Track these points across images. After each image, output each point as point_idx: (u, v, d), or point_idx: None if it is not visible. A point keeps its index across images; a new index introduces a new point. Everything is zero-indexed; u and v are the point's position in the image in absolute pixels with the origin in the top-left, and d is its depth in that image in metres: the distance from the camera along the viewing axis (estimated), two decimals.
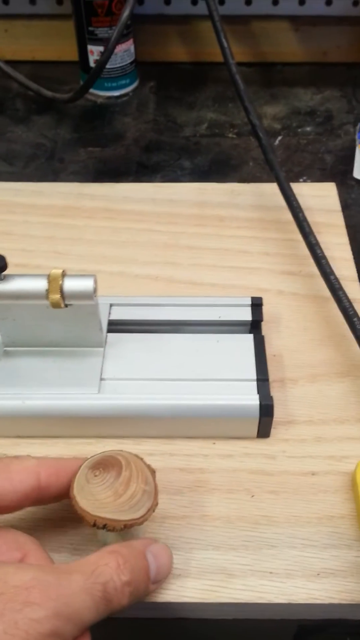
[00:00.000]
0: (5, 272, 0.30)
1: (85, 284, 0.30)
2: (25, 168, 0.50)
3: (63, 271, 0.30)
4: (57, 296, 0.30)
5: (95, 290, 0.30)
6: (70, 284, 0.30)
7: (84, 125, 0.54)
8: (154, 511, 0.25)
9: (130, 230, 0.43)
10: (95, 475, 0.25)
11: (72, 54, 0.57)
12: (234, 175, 0.49)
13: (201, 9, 0.51)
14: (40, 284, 0.30)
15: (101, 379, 0.32)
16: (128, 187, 0.46)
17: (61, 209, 0.44)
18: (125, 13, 0.49)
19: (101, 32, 0.52)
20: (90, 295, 0.30)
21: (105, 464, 0.26)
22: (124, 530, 0.25)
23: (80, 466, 0.26)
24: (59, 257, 0.41)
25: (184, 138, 0.53)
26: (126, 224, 0.43)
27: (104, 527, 0.24)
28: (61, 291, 0.30)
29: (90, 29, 0.52)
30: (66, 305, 0.30)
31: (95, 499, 0.25)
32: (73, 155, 0.51)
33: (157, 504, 0.26)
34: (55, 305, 0.30)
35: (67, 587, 0.22)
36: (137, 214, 0.44)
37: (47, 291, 0.30)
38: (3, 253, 0.42)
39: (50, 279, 0.30)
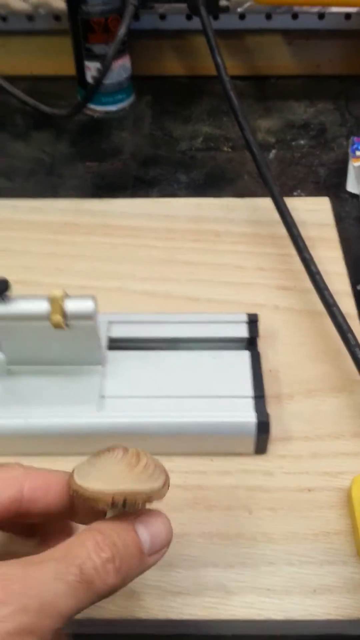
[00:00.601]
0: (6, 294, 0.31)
1: (86, 305, 0.31)
2: (24, 183, 0.50)
3: (64, 292, 0.31)
4: (59, 317, 0.30)
5: (95, 310, 0.31)
6: (71, 305, 0.30)
7: (81, 139, 0.55)
8: (168, 488, 0.23)
9: (128, 246, 0.43)
10: (101, 457, 0.24)
11: (69, 69, 0.57)
12: (229, 189, 0.50)
13: (196, 23, 0.52)
14: (42, 306, 0.30)
15: (101, 397, 0.32)
16: (125, 203, 0.47)
17: (60, 225, 0.45)
18: (122, 30, 0.50)
19: (98, 48, 0.53)
20: (91, 315, 0.31)
21: (107, 449, 0.24)
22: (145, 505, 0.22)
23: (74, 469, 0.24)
24: (59, 273, 0.41)
25: (180, 152, 0.54)
26: (124, 239, 0.44)
27: (124, 504, 0.22)
28: (62, 312, 0.30)
29: (87, 45, 0.53)
30: (67, 325, 0.31)
31: (107, 474, 0.23)
32: (71, 170, 0.52)
33: (169, 482, 0.23)
34: (57, 326, 0.30)
35: (35, 578, 0.20)
36: (135, 230, 0.44)
37: (49, 313, 0.30)
38: (3, 269, 0.43)
39: (51, 300, 0.30)
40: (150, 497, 0.22)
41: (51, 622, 0.19)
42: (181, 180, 0.51)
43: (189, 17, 0.58)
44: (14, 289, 0.41)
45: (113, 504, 0.22)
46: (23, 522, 0.24)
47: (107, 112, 0.57)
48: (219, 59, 0.48)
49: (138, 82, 0.59)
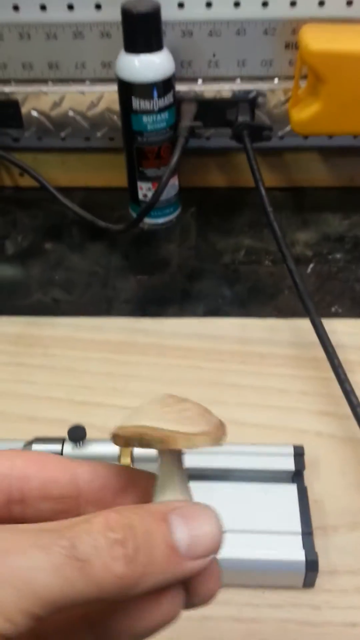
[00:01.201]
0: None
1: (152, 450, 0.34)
2: (81, 297, 0.55)
3: None
4: (128, 460, 0.34)
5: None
6: (138, 450, 0.34)
7: (132, 252, 0.60)
8: (213, 441, 0.19)
9: (180, 367, 0.47)
10: (148, 402, 0.21)
11: (121, 181, 0.62)
12: (270, 304, 0.54)
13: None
14: (114, 449, 0.34)
15: None
16: (176, 323, 0.51)
17: (117, 344, 0.49)
18: (174, 159, 0.55)
19: (150, 172, 0.58)
20: (157, 458, 0.34)
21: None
22: (170, 455, 0.19)
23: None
24: (117, 394, 0.45)
25: (224, 265, 0.58)
26: (175, 360, 0.48)
27: (140, 442, 0.19)
28: (132, 456, 0.34)
29: (141, 169, 0.58)
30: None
31: (139, 413, 0.20)
32: (124, 282, 0.56)
33: (224, 435, 0.20)
34: None
35: (9, 541, 0.16)
36: (185, 350, 0.48)
37: (119, 456, 0.34)
38: (67, 389, 0.47)
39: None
40: (173, 438, 0.18)
41: (21, 602, 0.15)
42: (225, 295, 0.55)
43: (232, 137, 0.63)
44: (76, 411, 0.45)
45: (128, 445, 0.19)
46: (24, 515, 0.20)
47: (155, 224, 0.62)
48: (262, 191, 0.52)
49: (183, 194, 0.64)
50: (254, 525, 0.36)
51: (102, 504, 0.20)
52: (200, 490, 0.37)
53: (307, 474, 0.39)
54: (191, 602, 0.19)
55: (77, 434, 0.35)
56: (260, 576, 0.35)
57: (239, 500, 0.37)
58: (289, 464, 0.38)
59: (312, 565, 0.34)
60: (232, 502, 0.37)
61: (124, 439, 0.19)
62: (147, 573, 0.17)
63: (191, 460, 0.39)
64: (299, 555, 0.34)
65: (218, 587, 0.20)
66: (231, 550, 0.34)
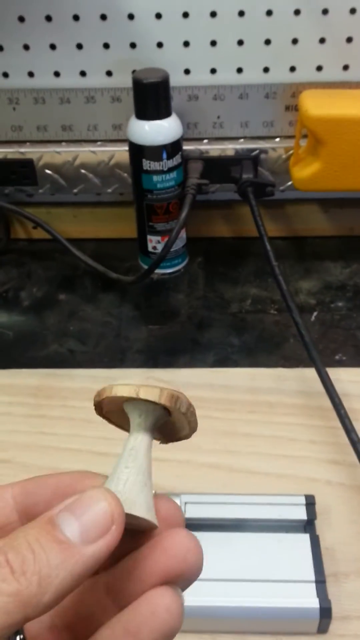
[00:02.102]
0: None
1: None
2: (96, 347, 0.58)
3: (154, 492, 0.36)
4: None
5: (181, 509, 0.36)
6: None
7: (142, 302, 0.62)
8: (138, 395, 0.21)
9: None
10: None
11: (131, 232, 0.65)
12: (277, 353, 0.56)
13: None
14: None
15: None
16: (189, 373, 0.53)
17: None
18: (183, 215, 0.58)
19: (159, 226, 0.61)
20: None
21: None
22: (133, 439, 0.22)
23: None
24: None
25: (231, 314, 0.61)
26: None
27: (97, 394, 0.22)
28: None
29: (150, 224, 0.61)
30: None
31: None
32: (136, 333, 0.59)
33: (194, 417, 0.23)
34: None
35: None
36: (198, 400, 0.50)
37: None
38: (86, 440, 0.49)
39: None
40: (109, 388, 0.22)
41: None
42: (234, 344, 0.57)
43: (236, 191, 0.66)
44: (96, 462, 0.47)
45: (131, 400, 0.21)
46: None
47: (164, 274, 0.65)
48: (267, 245, 0.55)
49: (190, 244, 0.67)
50: (269, 574, 0.37)
51: None
52: (215, 541, 0.39)
53: (318, 522, 0.41)
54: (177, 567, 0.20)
55: None
56: (276, 623, 0.36)
57: (253, 551, 0.39)
58: (301, 514, 0.40)
59: (325, 613, 0.36)
60: (247, 552, 0.39)
61: (96, 396, 0.22)
62: (46, 575, 0.17)
63: (213, 511, 0.41)
64: (313, 603, 0.36)
65: (188, 540, 0.21)
66: (248, 598, 0.36)
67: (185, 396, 0.23)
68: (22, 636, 0.21)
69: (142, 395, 0.22)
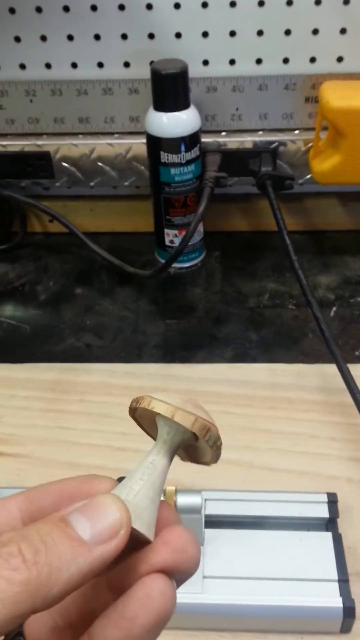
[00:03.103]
0: None
1: (195, 500, 0.36)
2: (113, 342, 0.57)
3: (175, 488, 0.36)
4: (171, 503, 0.36)
5: (202, 505, 0.36)
6: (182, 500, 0.36)
7: (160, 296, 0.62)
8: (174, 417, 0.22)
9: (212, 413, 0.48)
10: None
11: (148, 226, 0.65)
12: (296, 349, 0.55)
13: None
14: None
15: (203, 577, 0.37)
16: (207, 368, 0.53)
17: (151, 390, 0.50)
18: (201, 209, 0.57)
19: (177, 219, 0.61)
20: (199, 509, 0.36)
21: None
22: (154, 454, 0.22)
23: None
24: (152, 441, 0.47)
25: (249, 309, 0.60)
26: (208, 406, 0.49)
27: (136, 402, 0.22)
28: (175, 507, 0.36)
29: (168, 217, 0.61)
30: None
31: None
32: (154, 327, 0.58)
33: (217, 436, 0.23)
34: None
35: None
36: (216, 396, 0.50)
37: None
38: (105, 435, 0.49)
39: (165, 496, 0.36)
40: (149, 399, 0.22)
41: None
42: (252, 339, 0.57)
43: (254, 184, 0.66)
44: (115, 457, 0.46)
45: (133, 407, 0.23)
46: None
47: (181, 268, 0.64)
48: (287, 239, 0.55)
49: (207, 238, 0.66)
50: (291, 572, 0.37)
51: None
52: (242, 539, 0.39)
53: (340, 520, 0.41)
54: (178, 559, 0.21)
55: None
56: (298, 622, 0.36)
57: (275, 548, 0.38)
58: (323, 512, 0.40)
59: (349, 612, 0.35)
60: (268, 550, 0.38)
61: (134, 402, 0.23)
62: (57, 568, 0.18)
63: (234, 507, 0.41)
64: (337, 602, 0.35)
65: (187, 533, 0.21)
66: (269, 597, 0.36)
67: (216, 429, 0.23)
68: (22, 638, 0.21)
69: (177, 419, 0.22)
